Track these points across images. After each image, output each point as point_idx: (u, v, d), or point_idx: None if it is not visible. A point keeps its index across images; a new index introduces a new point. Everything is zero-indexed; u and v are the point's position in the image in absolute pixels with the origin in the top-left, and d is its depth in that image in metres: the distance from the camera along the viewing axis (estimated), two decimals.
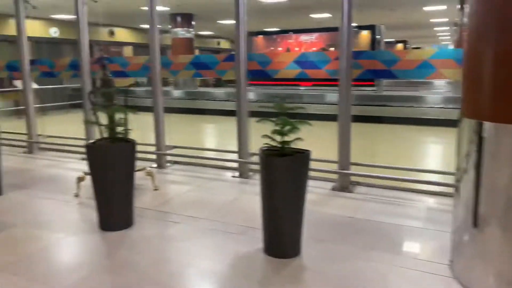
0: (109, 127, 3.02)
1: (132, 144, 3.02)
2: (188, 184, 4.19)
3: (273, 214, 2.59)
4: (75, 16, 5.09)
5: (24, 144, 5.73)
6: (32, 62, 5.60)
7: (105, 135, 3.12)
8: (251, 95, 11.74)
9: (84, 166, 4.81)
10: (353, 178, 4.03)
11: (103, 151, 2.92)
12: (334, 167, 3.96)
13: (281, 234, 2.61)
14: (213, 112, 11.44)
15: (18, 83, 8.94)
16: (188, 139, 7.59)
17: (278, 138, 2.58)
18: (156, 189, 3.92)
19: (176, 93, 13.21)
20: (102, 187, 2.92)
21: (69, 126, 8.02)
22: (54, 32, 12.74)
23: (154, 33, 4.75)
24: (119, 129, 3.03)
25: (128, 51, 16.01)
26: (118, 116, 3.03)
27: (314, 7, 12.15)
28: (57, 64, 5.54)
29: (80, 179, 3.74)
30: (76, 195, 3.70)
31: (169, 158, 4.94)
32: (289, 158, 2.54)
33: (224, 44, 23.61)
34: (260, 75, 4.52)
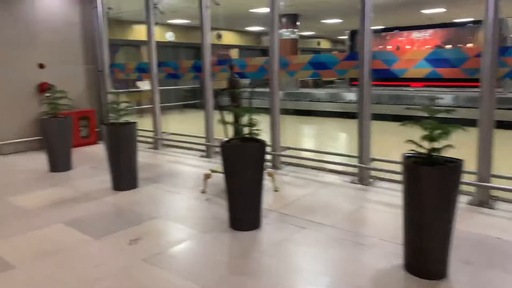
0: (239, 127, 3.06)
1: (262, 144, 3.01)
2: (306, 187, 4.09)
3: (418, 229, 2.34)
4: (199, 20, 5.35)
5: (150, 140, 6.19)
6: (159, 64, 6.03)
7: (230, 134, 3.18)
8: (354, 96, 11.29)
9: (206, 164, 5.04)
10: (493, 192, 3.55)
11: (238, 150, 2.95)
12: (470, 178, 3.52)
13: (426, 252, 2.35)
14: (316, 114, 11.25)
15: (140, 84, 9.81)
16: (297, 140, 7.54)
17: (425, 144, 2.33)
18: (276, 190, 3.90)
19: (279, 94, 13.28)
20: (235, 186, 2.96)
21: (185, 125, 8.54)
22: (170, 36, 13.74)
23: (274, 35, 4.77)
24: (249, 129, 3.05)
25: (234, 53, 16.63)
26: (247, 116, 3.05)
27: (427, 1, 11.22)
28: (181, 66, 5.89)
29: (207, 176, 3.87)
30: (203, 192, 3.84)
31: (283, 159, 4.91)
32: (441, 168, 2.27)
33: (325, 44, 23.24)
34: (385, 74, 4.24)
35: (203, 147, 5.54)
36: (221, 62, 5.64)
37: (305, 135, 9.28)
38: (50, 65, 6.10)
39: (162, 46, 13.43)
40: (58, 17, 6.21)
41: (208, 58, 5.42)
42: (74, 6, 6.39)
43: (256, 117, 3.04)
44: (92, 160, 5.47)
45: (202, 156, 5.42)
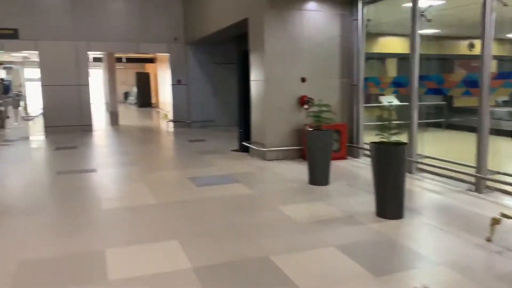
0: None
1: None
2: None
3: None
4: (481, 26, 4.55)
5: None
6: (421, 78, 5.46)
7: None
8: None
9: (477, 200, 4.15)
10: None
11: None
12: None
13: None
14: None
15: (382, 99, 9.39)
16: None
17: None
18: None
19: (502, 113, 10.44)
20: None
21: (436, 147, 7.51)
22: None
23: None
24: None
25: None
26: None
27: None
28: (447, 80, 5.16)
29: (495, 222, 3.08)
30: (488, 240, 3.07)
31: None
32: None
33: None
34: None
35: (471, 179, 4.61)
36: (503, 75, 4.63)
37: None
38: (310, 78, 6.37)
39: (402, 58, 12.69)
40: (321, 32, 6.43)
41: (487, 71, 4.51)
42: (335, 20, 6.50)
43: None
44: (346, 176, 5.35)
45: (469, 190, 4.50)
